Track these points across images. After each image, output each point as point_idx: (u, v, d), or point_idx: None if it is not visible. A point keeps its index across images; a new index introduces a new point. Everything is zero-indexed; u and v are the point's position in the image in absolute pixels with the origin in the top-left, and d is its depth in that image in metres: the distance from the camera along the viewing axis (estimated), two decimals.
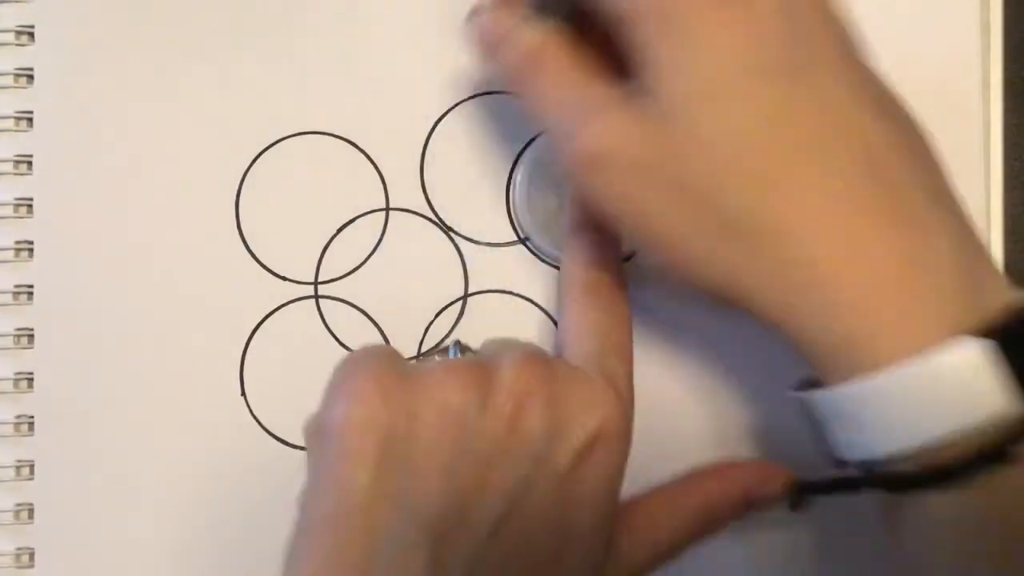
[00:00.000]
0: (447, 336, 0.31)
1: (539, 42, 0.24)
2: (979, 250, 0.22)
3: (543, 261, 0.31)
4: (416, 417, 0.22)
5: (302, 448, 0.31)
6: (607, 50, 0.24)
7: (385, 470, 0.21)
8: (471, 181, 0.32)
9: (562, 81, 0.24)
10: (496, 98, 0.32)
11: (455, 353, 0.27)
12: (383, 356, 0.24)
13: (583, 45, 0.24)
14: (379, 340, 0.31)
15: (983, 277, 0.21)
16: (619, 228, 0.25)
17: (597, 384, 0.24)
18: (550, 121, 0.24)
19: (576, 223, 0.28)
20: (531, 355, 0.23)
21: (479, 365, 0.23)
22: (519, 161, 0.31)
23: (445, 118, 0.32)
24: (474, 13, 0.26)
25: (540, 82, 0.24)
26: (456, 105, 0.32)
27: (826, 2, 0.23)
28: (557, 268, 0.31)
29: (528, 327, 0.31)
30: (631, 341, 0.27)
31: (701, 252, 0.22)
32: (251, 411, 0.31)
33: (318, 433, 0.23)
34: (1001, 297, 0.21)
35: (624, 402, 0.24)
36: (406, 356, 0.31)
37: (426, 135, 0.32)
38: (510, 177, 0.31)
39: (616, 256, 0.28)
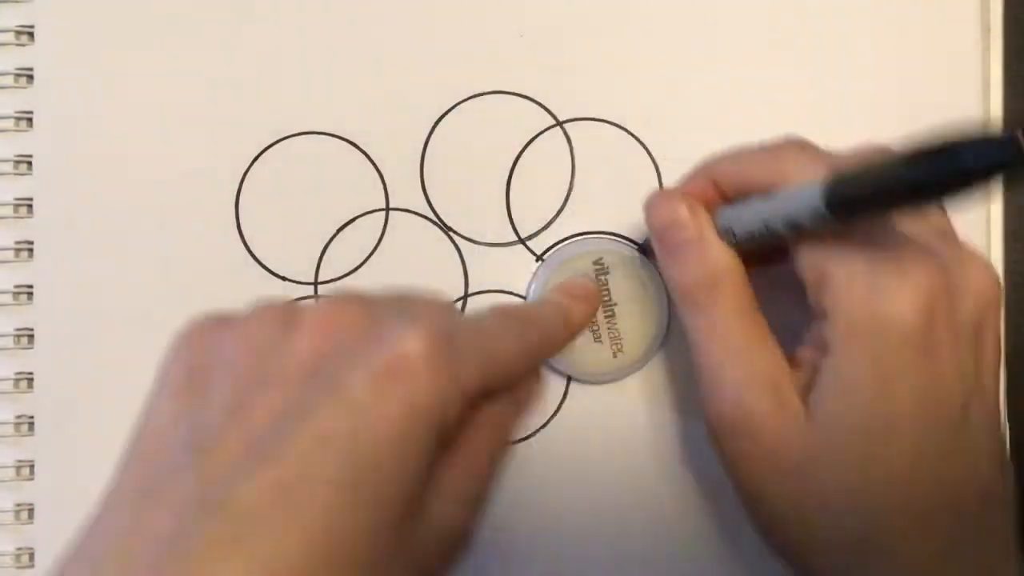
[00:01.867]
0: None
1: (724, 268, 0.24)
2: None
3: (543, 261, 0.31)
4: (218, 351, 0.22)
5: None
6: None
7: (182, 397, 0.21)
8: (471, 181, 0.32)
9: (733, 324, 0.24)
10: (496, 98, 0.32)
11: None
12: (212, 313, 0.23)
13: (753, 297, 0.25)
14: None
15: None
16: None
17: (416, 323, 0.20)
18: (705, 361, 0.24)
19: (552, 298, 0.29)
20: (349, 295, 0.22)
21: (291, 305, 0.22)
22: (538, 270, 0.31)
23: (445, 118, 0.32)
24: (653, 198, 0.26)
25: (709, 313, 0.24)
26: (456, 105, 0.32)
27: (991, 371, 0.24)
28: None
29: None
30: (515, 360, 0.23)
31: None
32: None
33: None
34: None
35: (440, 339, 0.20)
36: None
37: (426, 135, 0.32)
38: (509, 180, 0.31)
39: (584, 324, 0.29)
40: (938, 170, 0.19)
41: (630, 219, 0.31)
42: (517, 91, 0.32)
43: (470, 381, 0.20)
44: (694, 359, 0.25)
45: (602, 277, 0.30)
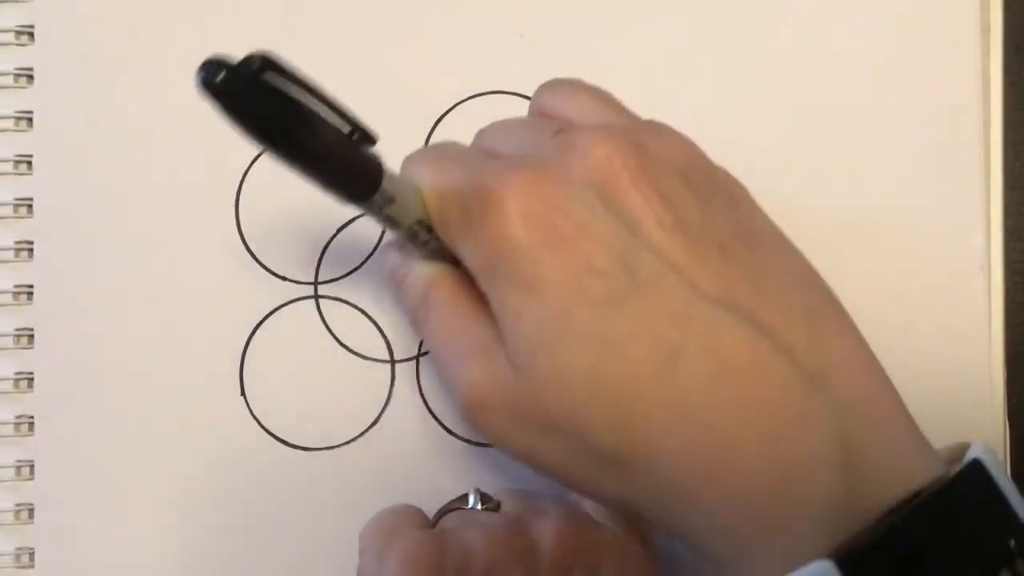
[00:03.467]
0: None
1: (427, 282, 0.24)
2: (869, 424, 0.20)
3: None
4: None
5: (302, 448, 0.31)
6: None
7: None
8: None
9: (445, 323, 0.24)
10: (496, 98, 0.32)
11: (475, 502, 0.28)
12: (416, 522, 0.25)
13: (471, 285, 0.24)
14: (379, 342, 0.31)
15: (868, 464, 0.20)
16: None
17: (628, 541, 0.25)
18: (438, 363, 0.24)
19: None
20: (566, 521, 0.24)
21: (518, 535, 0.24)
22: None
23: (445, 118, 0.32)
24: (383, 251, 0.26)
25: (429, 322, 0.24)
26: (456, 105, 0.32)
27: (661, 221, 0.21)
28: None
29: None
30: None
31: (588, 481, 0.21)
32: (251, 411, 0.31)
33: None
34: (884, 490, 0.19)
35: (648, 552, 0.25)
36: (407, 357, 0.31)
37: (426, 135, 0.32)
38: None
39: None
40: None
41: None
42: (517, 91, 0.32)
43: None
44: (438, 370, 0.25)
45: None
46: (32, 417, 0.31)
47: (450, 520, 0.27)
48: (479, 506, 0.27)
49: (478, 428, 0.22)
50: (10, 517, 0.31)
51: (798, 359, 0.20)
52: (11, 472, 0.31)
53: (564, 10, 0.32)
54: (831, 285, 0.30)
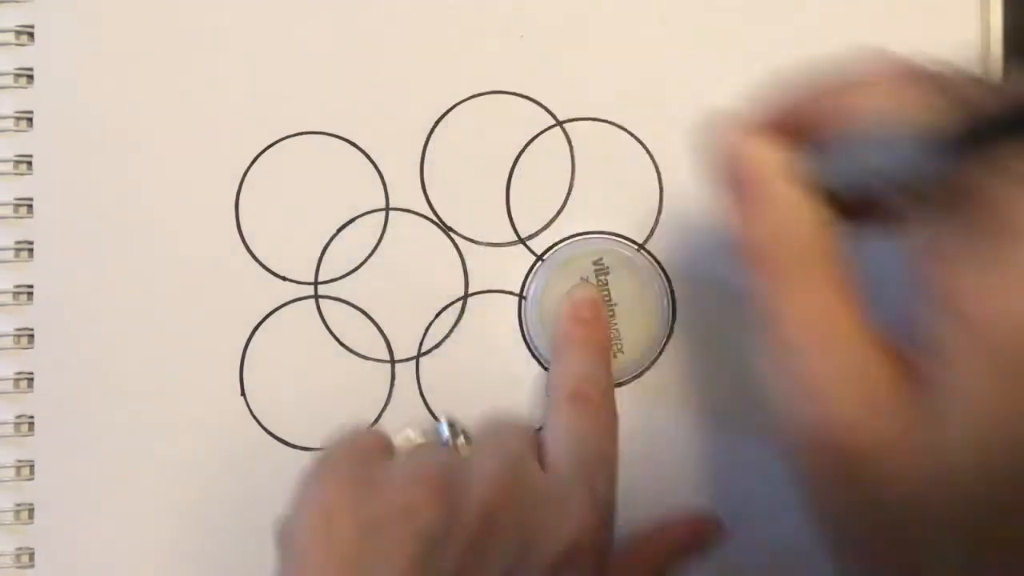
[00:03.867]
0: (447, 336, 0.31)
1: (815, 228, 0.18)
2: None
3: (543, 261, 0.31)
4: (379, 531, 0.21)
5: (302, 448, 0.31)
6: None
7: None
8: (471, 181, 0.32)
9: (822, 308, 0.18)
10: (496, 98, 0.32)
11: (445, 432, 0.28)
12: (352, 458, 0.23)
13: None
14: (379, 342, 0.31)
15: None
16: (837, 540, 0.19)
17: (572, 497, 0.23)
18: (782, 346, 0.18)
19: (567, 331, 0.28)
20: (505, 468, 0.23)
21: (447, 476, 0.22)
22: (537, 270, 0.31)
23: (445, 118, 0.32)
24: (738, 126, 0.19)
25: (791, 287, 0.18)
26: (456, 105, 0.32)
27: None
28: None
29: (527, 327, 0.31)
30: (615, 450, 0.27)
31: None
32: (251, 411, 0.31)
33: (285, 538, 0.23)
34: None
35: (601, 513, 0.24)
36: (407, 357, 0.31)
37: (426, 135, 0.32)
38: (509, 180, 0.31)
39: (606, 364, 0.28)
40: None
41: (630, 219, 0.31)
42: (517, 91, 0.32)
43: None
44: (763, 341, 0.19)
45: (602, 277, 0.30)
46: (32, 417, 0.31)
47: (401, 453, 0.26)
48: (449, 439, 0.27)
49: (814, 465, 0.18)
50: (10, 517, 0.31)
51: None
52: (11, 472, 0.31)
53: (564, 10, 0.32)
54: None
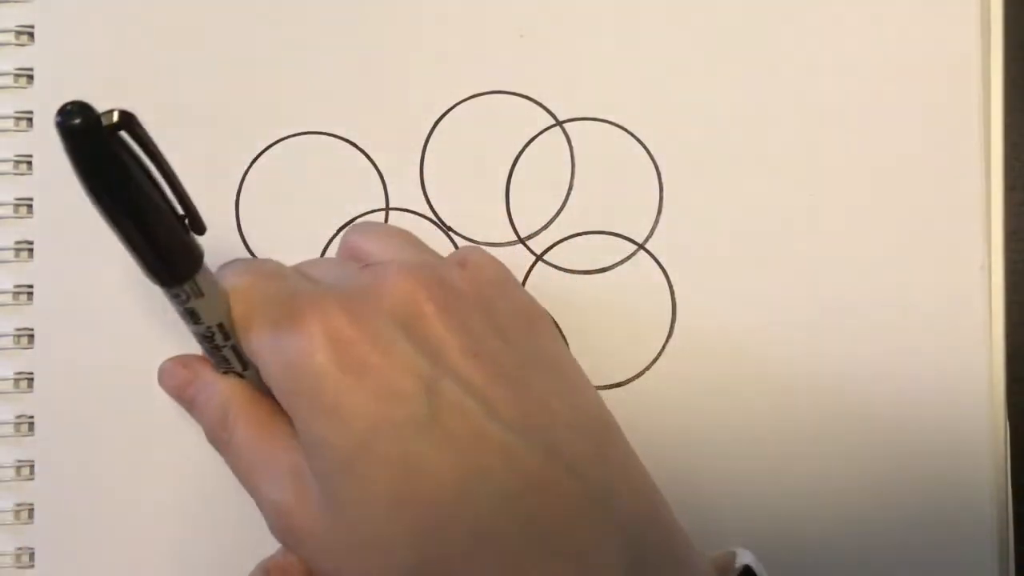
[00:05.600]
0: None
1: (226, 400, 0.24)
2: (654, 539, 0.22)
3: (543, 261, 0.31)
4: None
5: None
6: None
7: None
8: (471, 181, 0.32)
9: (251, 447, 0.24)
10: (496, 98, 0.32)
11: None
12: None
13: (268, 398, 0.24)
14: None
15: None
16: None
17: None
18: (246, 486, 0.24)
19: None
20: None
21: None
22: None
23: (445, 118, 0.32)
24: (162, 368, 0.26)
25: (232, 445, 0.24)
26: (456, 105, 0.32)
27: (462, 348, 0.22)
28: (559, 269, 0.31)
29: None
30: None
31: None
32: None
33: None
34: None
35: None
36: None
37: (426, 135, 0.32)
38: (509, 180, 0.31)
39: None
40: None
41: (630, 219, 0.31)
42: (517, 91, 0.32)
43: None
44: (248, 491, 0.24)
45: None
46: (32, 417, 0.31)
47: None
48: None
49: (290, 548, 0.23)
50: (10, 517, 0.31)
51: (588, 477, 0.22)
52: (11, 472, 0.31)
53: (564, 10, 0.32)
54: (830, 284, 0.31)
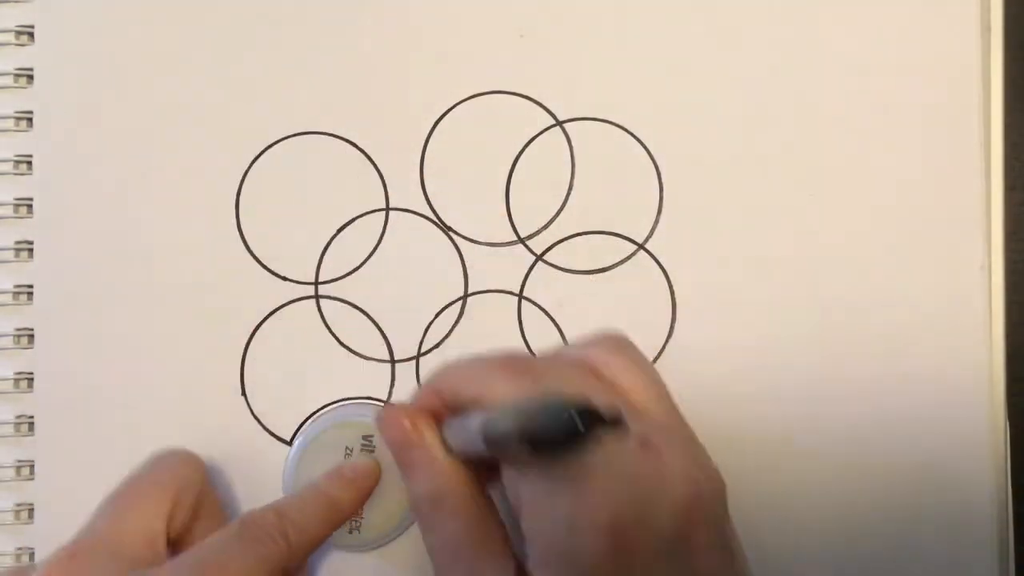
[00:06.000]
0: (447, 336, 0.31)
1: (446, 481, 0.24)
2: None
3: (543, 261, 0.31)
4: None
5: None
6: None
7: None
8: (471, 181, 0.32)
9: (460, 534, 0.24)
10: (496, 98, 0.32)
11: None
12: None
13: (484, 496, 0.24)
14: (379, 342, 0.31)
15: None
16: None
17: None
18: (437, 571, 0.24)
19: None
20: None
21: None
22: (299, 432, 0.31)
23: (445, 118, 0.32)
24: (384, 416, 0.25)
25: (438, 529, 0.24)
26: (456, 105, 0.32)
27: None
28: (559, 269, 0.31)
29: (527, 327, 0.31)
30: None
31: None
32: (251, 411, 0.31)
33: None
34: None
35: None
36: (407, 357, 0.31)
37: (426, 135, 0.32)
38: (509, 180, 0.31)
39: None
40: (533, 430, 0.19)
41: (630, 219, 0.31)
42: (517, 91, 0.32)
43: None
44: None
45: (368, 452, 0.30)
46: (32, 417, 0.31)
47: None
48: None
49: None
50: (10, 517, 0.31)
51: None
52: (11, 472, 0.31)
53: (564, 10, 0.32)
54: (830, 284, 0.31)
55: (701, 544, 0.22)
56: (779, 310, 0.31)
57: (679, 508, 0.21)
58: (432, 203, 0.32)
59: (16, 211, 0.32)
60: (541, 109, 0.32)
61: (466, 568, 0.23)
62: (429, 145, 0.32)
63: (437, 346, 0.31)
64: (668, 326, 0.31)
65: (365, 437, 0.30)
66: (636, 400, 0.24)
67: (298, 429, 0.31)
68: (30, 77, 0.32)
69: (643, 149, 0.31)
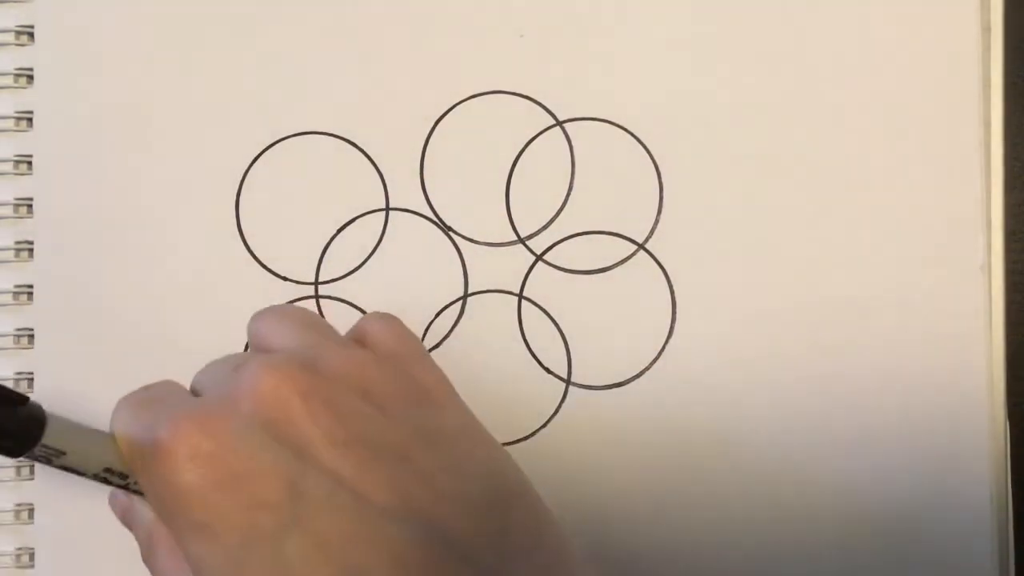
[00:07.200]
0: (447, 336, 0.31)
1: (149, 525, 0.24)
2: None
3: (543, 261, 0.31)
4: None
5: None
6: None
7: None
8: (471, 181, 0.32)
9: (167, 569, 0.23)
10: (496, 98, 0.32)
11: None
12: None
13: None
14: None
15: None
16: None
17: None
18: None
19: None
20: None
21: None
22: None
23: (445, 118, 0.32)
24: (112, 490, 0.25)
25: (155, 569, 0.24)
26: (456, 105, 0.32)
27: (328, 439, 0.21)
28: (559, 269, 0.31)
29: (527, 327, 0.31)
30: None
31: None
32: None
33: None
34: None
35: None
36: None
37: (426, 135, 0.32)
38: (509, 180, 0.31)
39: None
40: None
41: (630, 219, 0.31)
42: (517, 91, 0.32)
43: None
44: None
45: None
46: None
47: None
48: None
49: None
50: (10, 517, 0.31)
51: (480, 560, 0.21)
52: (11, 472, 0.31)
53: (564, 10, 0.32)
54: (831, 284, 0.31)
55: (292, 418, 0.21)
56: (779, 310, 0.31)
57: (259, 402, 0.21)
58: (432, 203, 0.32)
59: (16, 211, 0.32)
60: (541, 109, 0.32)
61: None
62: (429, 145, 0.32)
63: (437, 346, 0.31)
64: (668, 326, 0.31)
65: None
66: (274, 343, 0.25)
67: None
68: (30, 77, 0.32)
69: (643, 149, 0.31)
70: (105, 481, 0.23)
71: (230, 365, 0.24)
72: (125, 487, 0.23)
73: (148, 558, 0.24)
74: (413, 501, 0.21)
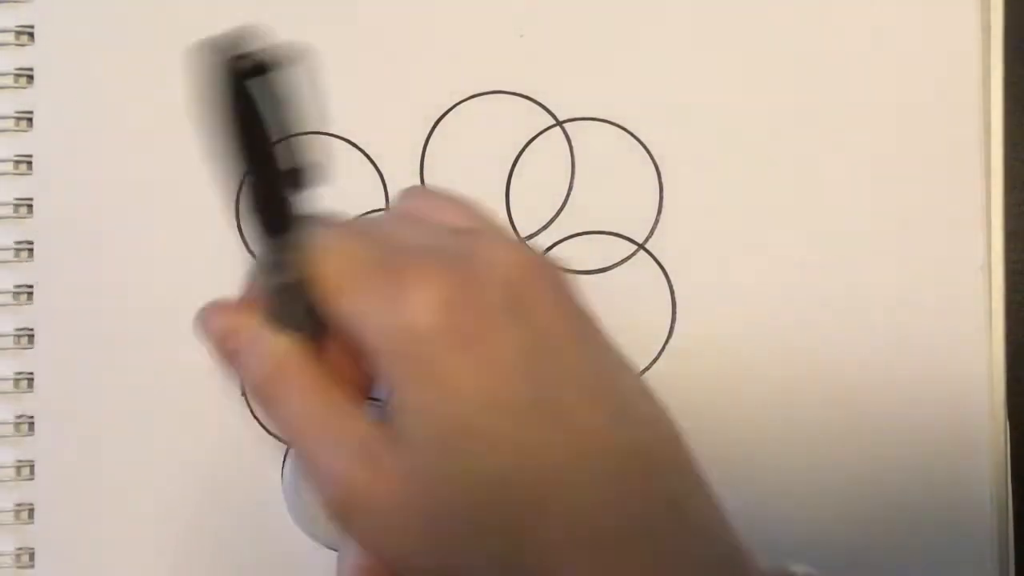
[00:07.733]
0: None
1: (280, 354, 0.22)
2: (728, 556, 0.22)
3: None
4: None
5: None
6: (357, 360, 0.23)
7: None
8: (471, 181, 0.31)
9: (308, 409, 0.22)
10: (496, 98, 0.32)
11: None
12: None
13: (332, 355, 0.23)
14: None
15: None
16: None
17: None
18: (298, 450, 0.22)
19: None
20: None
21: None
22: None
23: (445, 118, 0.32)
24: (203, 311, 0.23)
25: (282, 404, 0.22)
26: (456, 105, 0.32)
27: (572, 335, 0.22)
28: None
29: None
30: None
31: None
32: (251, 411, 0.31)
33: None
34: None
35: None
36: None
37: (426, 135, 0.32)
38: (509, 180, 0.31)
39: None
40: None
41: (630, 219, 0.31)
42: (517, 91, 0.32)
43: None
44: (298, 460, 0.23)
45: None
46: (32, 417, 0.31)
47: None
48: None
49: (352, 531, 0.21)
50: (10, 517, 0.31)
51: (671, 479, 0.22)
52: (11, 472, 0.31)
53: (564, 10, 0.32)
54: (831, 284, 0.31)
55: (539, 301, 0.21)
56: (779, 310, 0.31)
57: (510, 276, 0.21)
58: None
59: (16, 211, 0.32)
60: (541, 109, 0.32)
61: (320, 428, 0.22)
62: (429, 145, 0.32)
63: None
64: (668, 326, 0.31)
65: None
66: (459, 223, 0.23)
67: None
68: (30, 77, 0.32)
69: (643, 149, 0.31)
70: (285, 293, 0.22)
71: (440, 231, 0.23)
72: (289, 304, 0.22)
73: (268, 390, 0.22)
74: (629, 415, 0.21)
